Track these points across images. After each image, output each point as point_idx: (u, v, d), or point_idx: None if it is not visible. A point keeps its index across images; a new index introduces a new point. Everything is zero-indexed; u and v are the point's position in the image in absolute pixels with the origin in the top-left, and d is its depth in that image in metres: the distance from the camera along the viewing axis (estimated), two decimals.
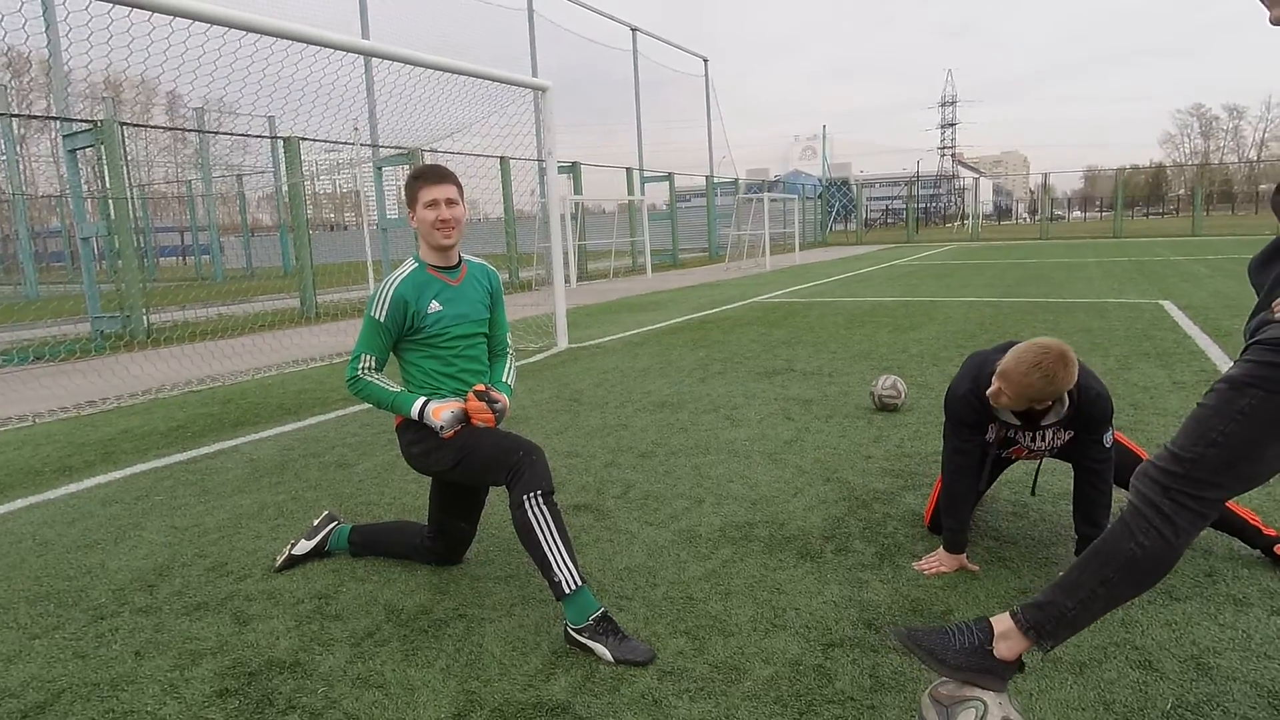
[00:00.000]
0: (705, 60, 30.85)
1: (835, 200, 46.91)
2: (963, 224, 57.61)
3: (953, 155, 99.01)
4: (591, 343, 8.68)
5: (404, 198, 2.76)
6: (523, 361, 7.60)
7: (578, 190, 20.62)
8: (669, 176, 26.49)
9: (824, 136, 61.05)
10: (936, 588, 2.68)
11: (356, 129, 15.13)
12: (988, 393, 2.66)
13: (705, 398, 5.69)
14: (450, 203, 2.72)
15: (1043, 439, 2.78)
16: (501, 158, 16.30)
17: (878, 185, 72.72)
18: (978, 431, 2.80)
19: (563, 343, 8.38)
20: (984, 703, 1.81)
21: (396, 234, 15.38)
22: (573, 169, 20.58)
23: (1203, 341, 7.08)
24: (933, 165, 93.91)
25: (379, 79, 14.87)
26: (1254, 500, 3.25)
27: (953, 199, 79.74)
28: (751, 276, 18.60)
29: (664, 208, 28.37)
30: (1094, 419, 2.67)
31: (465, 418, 2.64)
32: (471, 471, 2.64)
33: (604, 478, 3.98)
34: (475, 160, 15.16)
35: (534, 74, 19.17)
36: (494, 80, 8.25)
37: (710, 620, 2.52)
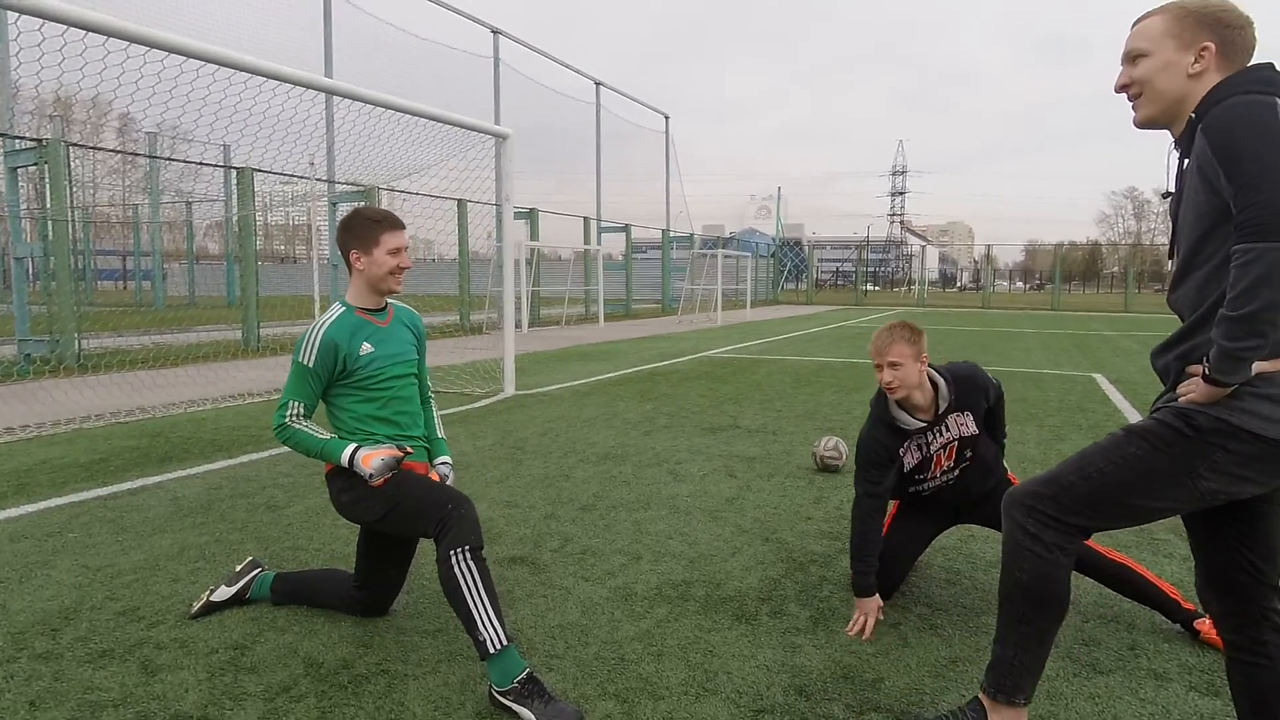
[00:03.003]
0: (666, 117, 31.54)
1: (787, 260, 47.91)
2: (909, 289, 59.22)
3: (901, 222, 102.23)
4: (539, 390, 8.63)
5: (349, 237, 2.72)
6: (468, 407, 7.50)
7: (534, 236, 20.71)
8: (626, 228, 26.80)
9: (779, 197, 62.54)
10: (869, 655, 2.68)
11: (313, 163, 15.04)
12: (881, 383, 2.92)
13: (650, 451, 5.68)
14: (407, 250, 2.75)
15: (947, 430, 2.98)
16: (459, 200, 16.32)
17: (829, 247, 74.56)
18: (887, 468, 2.97)
19: (510, 389, 8.31)
20: None
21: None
22: (530, 215, 20.69)
23: (1132, 415, 7.33)
24: (882, 231, 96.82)
25: (339, 115, 14.86)
26: (1176, 574, 3.34)
27: (900, 265, 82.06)
28: (703, 330, 18.79)
29: (620, 258, 28.64)
30: (975, 387, 3.02)
31: (396, 465, 2.59)
32: (401, 522, 2.58)
33: (542, 530, 3.92)
34: (433, 201, 15.15)
35: (497, 120, 19.35)
36: (456, 125, 8.30)
37: (641, 682, 2.48)
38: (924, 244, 74.12)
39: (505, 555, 3.55)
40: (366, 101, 7.10)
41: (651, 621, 2.91)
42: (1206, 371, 1.66)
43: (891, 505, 3.27)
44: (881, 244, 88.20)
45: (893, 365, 2.87)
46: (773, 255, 43.01)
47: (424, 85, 18.98)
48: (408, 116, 8.31)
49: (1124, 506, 1.81)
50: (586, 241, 24.08)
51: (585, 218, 24.42)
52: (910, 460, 3.01)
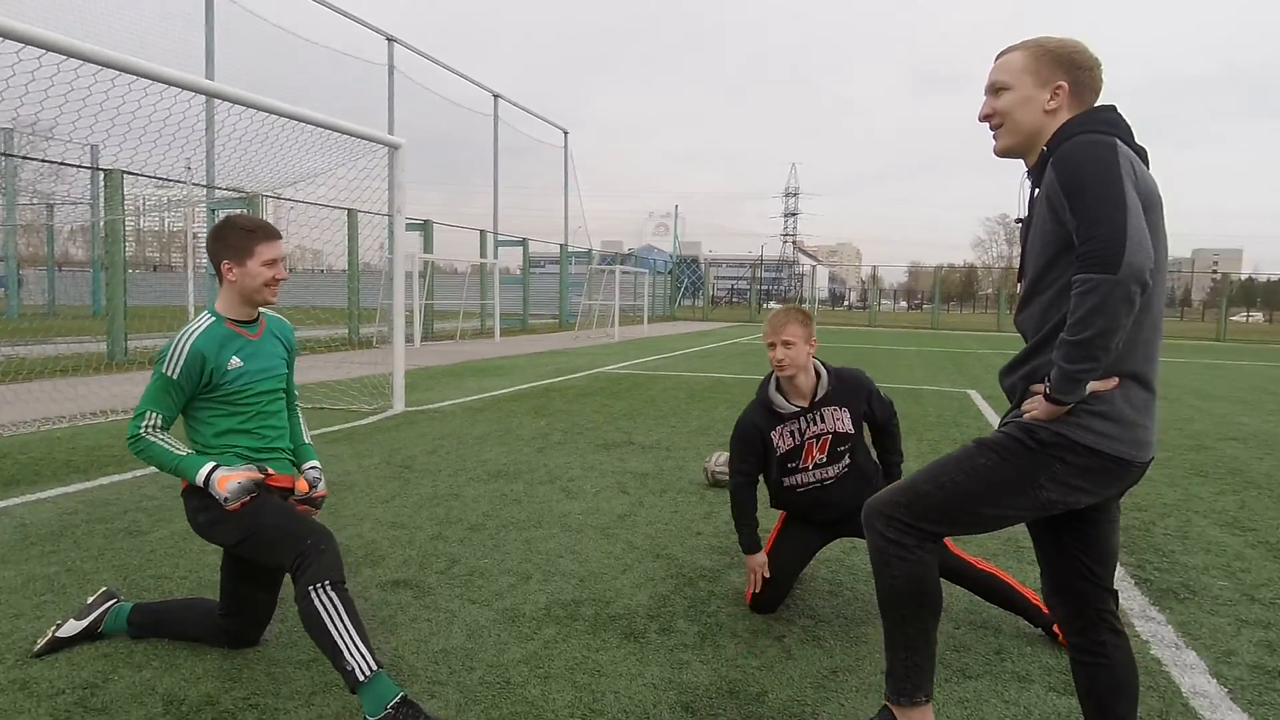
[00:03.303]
0: (565, 132, 31.57)
1: (684, 276, 48.62)
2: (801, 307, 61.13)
3: (794, 243, 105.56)
4: (430, 406, 8.42)
5: (222, 247, 2.59)
6: (354, 424, 7.24)
7: (428, 248, 20.28)
8: (524, 242, 26.60)
9: (676, 215, 63.48)
10: (754, 669, 2.71)
11: (190, 167, 14.27)
12: (772, 360, 3.09)
13: (543, 468, 5.62)
14: (283, 262, 2.64)
15: (822, 421, 3.15)
16: (350, 210, 15.81)
17: (725, 265, 76.11)
18: (758, 449, 3.19)
19: (399, 405, 8.07)
20: None
21: None
22: (424, 227, 20.26)
23: None
24: (775, 250, 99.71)
25: (220, 118, 14.16)
26: (1039, 581, 3.53)
27: (793, 283, 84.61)
28: (600, 346, 18.81)
29: (517, 272, 28.39)
30: (856, 386, 3.22)
31: (254, 488, 2.47)
32: (258, 550, 2.48)
33: (428, 551, 3.81)
34: (322, 210, 14.62)
35: (391, 129, 18.90)
36: (345, 133, 8.04)
37: (526, 706, 2.43)
38: (815, 264, 76.74)
39: (388, 579, 3.43)
40: (247, 105, 6.79)
41: (539, 643, 2.86)
42: (1048, 391, 1.77)
43: (777, 520, 3.35)
44: (775, 263, 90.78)
45: (785, 344, 3.05)
46: (670, 272, 43.58)
47: (315, 91, 18.39)
48: (294, 122, 8.01)
49: (974, 515, 1.91)
50: (483, 255, 23.77)
51: (482, 231, 24.09)
52: (782, 444, 3.16)
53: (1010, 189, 2.09)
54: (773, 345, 3.08)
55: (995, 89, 1.95)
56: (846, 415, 3.18)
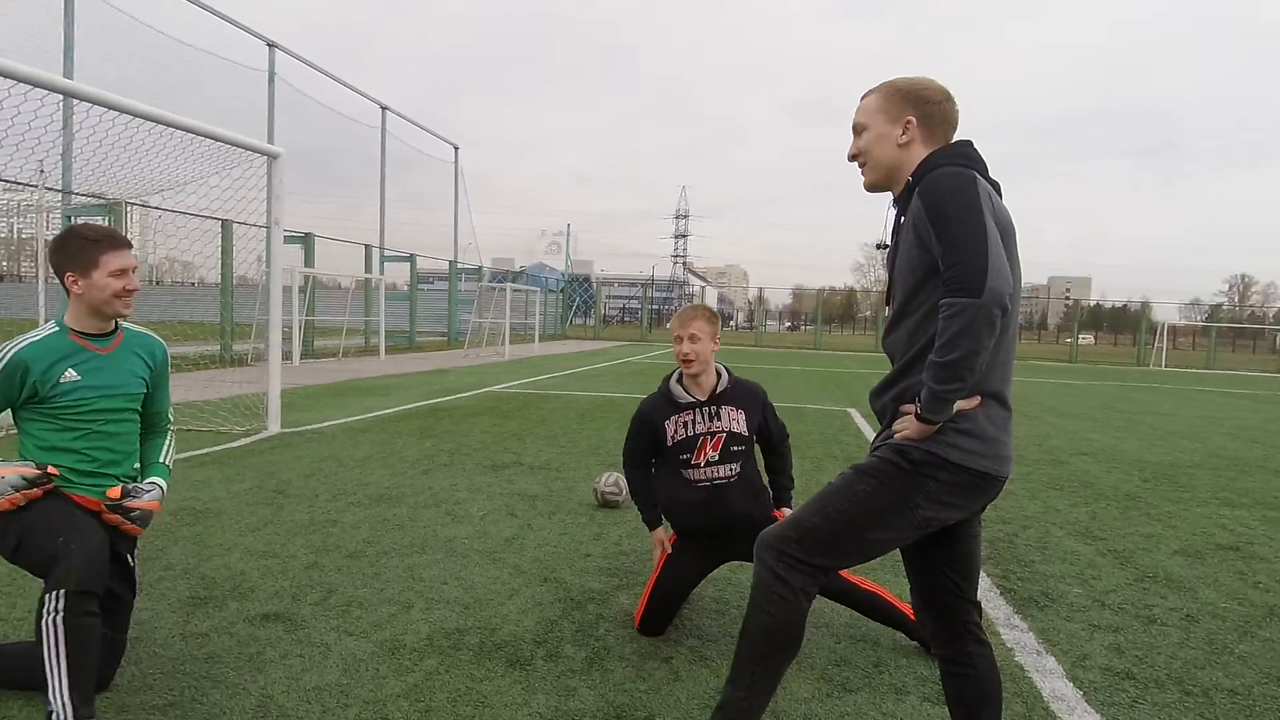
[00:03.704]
0: (456, 147, 31.10)
1: (576, 295, 48.62)
2: None
3: (684, 263, 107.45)
4: (308, 427, 8.05)
5: (63, 259, 2.42)
6: (225, 446, 6.84)
7: (310, 262, 19.50)
8: (411, 257, 25.96)
9: (568, 234, 63.52)
10: (641, 692, 2.70)
11: (43, 170, 13.22)
12: (679, 355, 3.21)
13: (427, 491, 5.45)
14: (134, 271, 2.48)
15: (718, 419, 3.24)
16: (224, 220, 15.01)
17: (616, 285, 76.70)
18: (650, 436, 3.30)
19: (274, 426, 7.67)
20: None
21: None
22: (306, 240, 19.48)
23: None
24: (666, 271, 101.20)
25: (79, 119, 13.18)
26: None
27: (683, 303, 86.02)
28: (489, 364, 18.52)
29: (404, 288, 27.66)
30: (753, 393, 3.37)
31: (25, 485, 2.30)
32: (31, 562, 2.30)
33: (302, 581, 3.61)
34: (193, 220, 13.81)
35: (270, 138, 18.10)
36: (219, 140, 7.64)
37: None
38: (704, 284, 78.30)
39: (257, 612, 3.23)
40: (107, 106, 6.36)
41: (420, 675, 2.75)
42: (919, 411, 1.85)
43: (669, 539, 3.35)
44: (666, 283, 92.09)
45: (693, 338, 3.17)
46: (562, 290, 43.50)
47: (188, 95, 17.38)
48: (164, 127, 7.55)
49: (861, 542, 1.96)
50: (369, 270, 23.04)
51: (368, 245, 23.37)
52: (675, 433, 3.23)
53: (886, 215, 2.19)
54: (680, 339, 3.19)
55: (856, 130, 2.07)
56: (742, 418, 3.28)
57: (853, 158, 2.09)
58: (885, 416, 2.04)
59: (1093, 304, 76.37)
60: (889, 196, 2.08)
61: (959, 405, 1.84)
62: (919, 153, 1.98)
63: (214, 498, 5.05)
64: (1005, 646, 3.18)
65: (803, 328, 74.50)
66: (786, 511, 3.28)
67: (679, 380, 3.32)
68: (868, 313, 77.31)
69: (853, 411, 11.22)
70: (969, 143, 2.00)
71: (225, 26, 17.67)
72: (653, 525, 3.37)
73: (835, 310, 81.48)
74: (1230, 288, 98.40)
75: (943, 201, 1.80)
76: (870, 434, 9.01)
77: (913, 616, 3.08)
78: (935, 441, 1.87)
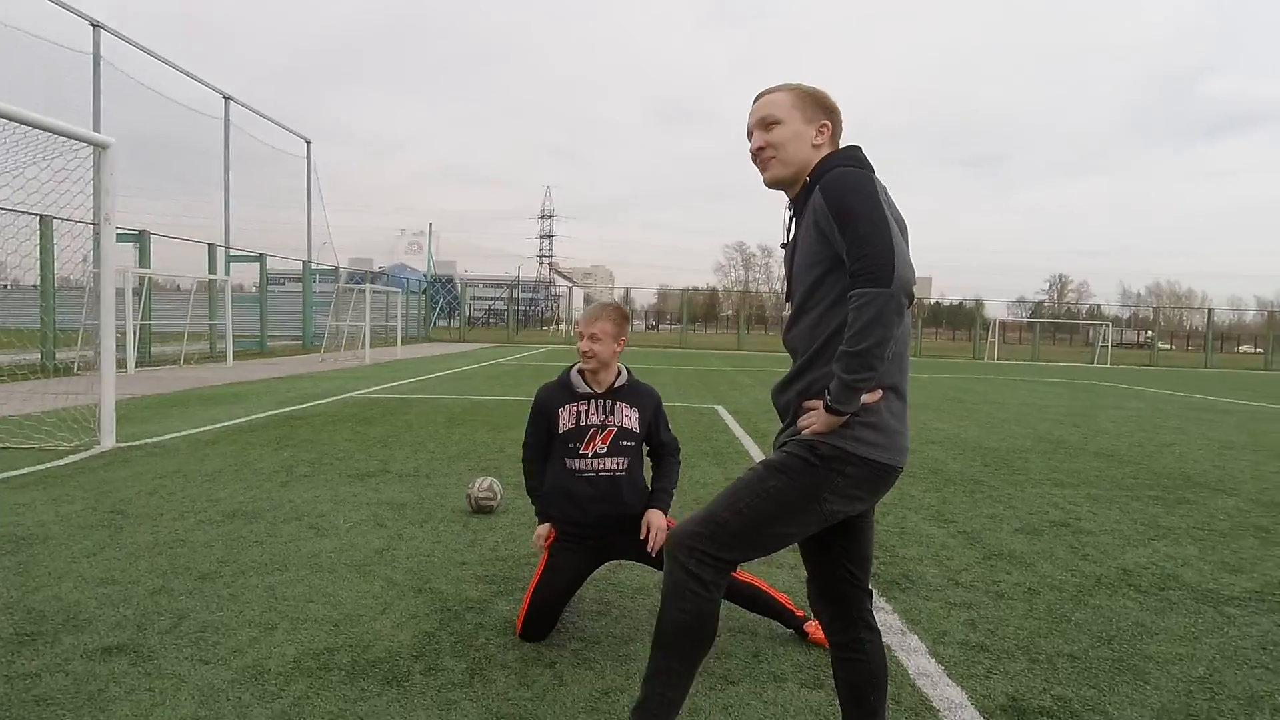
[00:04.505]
0: (308, 141, 29.61)
1: (440, 296, 47.42)
2: (558, 327, 62.02)
3: (550, 264, 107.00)
4: (148, 441, 7.43)
5: None
6: (51, 464, 6.20)
7: (145, 262, 18.04)
8: (260, 257, 24.50)
9: (430, 233, 61.92)
10: (526, 700, 2.64)
11: None
12: (580, 350, 3.26)
13: (287, 504, 5.15)
14: None
15: (611, 414, 3.30)
16: (42, 216, 13.63)
17: (481, 285, 75.36)
18: (544, 421, 3.33)
19: (108, 441, 7.03)
20: None
21: None
22: (140, 238, 18.01)
23: (747, 442, 8.34)
24: (532, 271, 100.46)
25: None
26: (786, 583, 3.79)
27: (549, 304, 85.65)
28: (349, 369, 17.75)
29: (253, 290, 26.07)
30: (648, 394, 3.44)
31: None
32: None
33: (149, 608, 3.32)
34: (5, 216, 12.44)
35: (97, 127, 16.60)
36: (35, 127, 6.92)
37: None
38: (570, 285, 78.24)
39: (97, 645, 2.94)
40: None
41: (288, 700, 2.59)
42: (827, 402, 1.89)
43: (544, 552, 3.31)
44: (532, 283, 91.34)
45: (594, 337, 3.21)
46: (424, 291, 42.29)
47: (3, 75, 15.66)
48: None
49: (770, 536, 1.98)
50: (213, 270, 21.56)
51: (211, 244, 21.86)
52: (566, 421, 3.27)
53: (747, 219, 2.23)
54: (582, 335, 3.23)
55: (767, 124, 2.07)
56: (635, 416, 3.35)
57: (759, 150, 2.08)
58: (789, 412, 2.07)
59: (933, 302, 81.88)
60: (774, 199, 2.12)
61: (864, 398, 1.90)
62: (820, 156, 2.03)
63: (39, 522, 4.57)
64: None
65: (667, 328, 75.79)
66: (655, 515, 3.27)
67: (579, 371, 3.35)
68: (729, 312, 79.66)
69: (720, 408, 11.51)
70: (858, 147, 2.07)
71: (42, 3, 16.07)
72: (542, 520, 3.37)
73: (699, 310, 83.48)
74: (1050, 286, 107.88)
75: (846, 197, 1.86)
76: (737, 429, 9.27)
77: (788, 605, 3.20)
78: (841, 436, 1.92)
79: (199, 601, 3.42)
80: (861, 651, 2.10)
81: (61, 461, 6.33)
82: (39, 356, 14.79)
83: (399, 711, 2.54)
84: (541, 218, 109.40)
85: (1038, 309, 69.93)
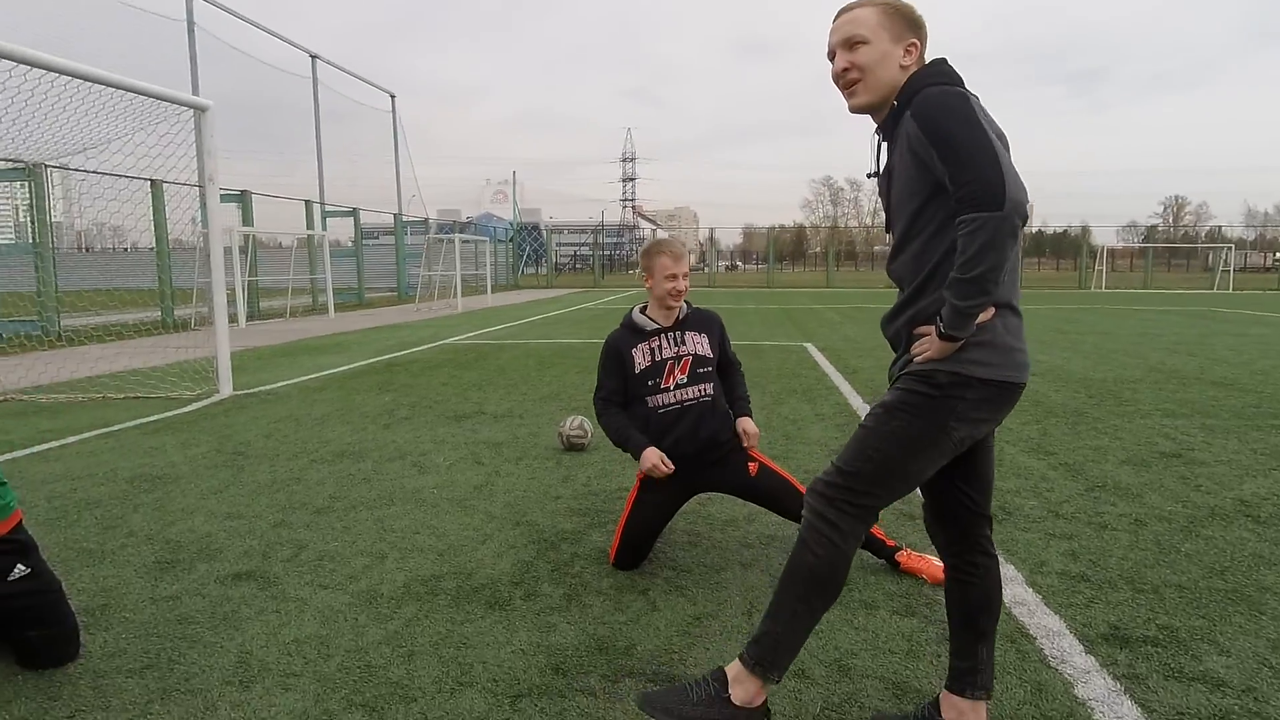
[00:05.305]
0: (393, 96, 30.15)
1: (526, 244, 48.04)
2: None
3: (633, 207, 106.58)
4: (262, 389, 7.89)
5: None
6: (176, 412, 6.67)
7: (248, 221, 18.88)
8: (354, 212, 25.31)
9: (514, 182, 62.46)
10: (620, 623, 2.74)
11: None
12: (670, 289, 3.25)
13: (391, 445, 5.41)
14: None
15: (683, 343, 3.33)
16: (153, 180, 14.40)
17: (566, 231, 75.76)
18: (619, 366, 3.33)
19: (226, 390, 7.50)
20: None
21: (12, 260, 12.84)
22: (242, 198, 18.83)
23: (837, 379, 8.23)
24: (616, 215, 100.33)
25: None
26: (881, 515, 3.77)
27: (634, 248, 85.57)
28: (442, 318, 18.29)
29: (349, 244, 27.00)
30: (711, 317, 3.46)
31: None
32: None
33: (271, 540, 3.58)
34: (119, 181, 13.21)
35: (195, 91, 17.32)
36: (140, 93, 7.27)
37: (391, 687, 2.34)
38: (654, 228, 77.86)
39: (228, 572, 3.19)
40: (12, 59, 5.98)
41: (400, 622, 2.76)
42: (941, 329, 1.83)
43: (634, 485, 3.36)
44: (616, 228, 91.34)
45: (686, 275, 3.30)
46: (511, 240, 42.90)
47: (102, 47, 16.47)
48: (78, 82, 7.14)
49: (905, 476, 1.93)
50: (310, 227, 22.41)
51: (307, 201, 22.68)
52: (641, 360, 3.30)
53: (833, 153, 2.13)
54: (674, 276, 3.26)
55: (851, 43, 1.93)
56: (705, 340, 3.38)
57: (843, 72, 1.95)
58: (900, 343, 2.01)
59: (1034, 231, 77.92)
60: (862, 125, 2.01)
61: (978, 318, 1.83)
62: (907, 77, 1.91)
63: (170, 463, 4.95)
64: None
65: (753, 266, 74.73)
66: (748, 423, 3.37)
67: (643, 311, 3.38)
68: (818, 249, 77.88)
69: (809, 346, 11.36)
70: (944, 60, 1.94)
71: None
72: (640, 448, 3.21)
73: (785, 248, 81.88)
74: (1165, 209, 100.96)
75: (942, 120, 1.76)
76: (827, 366, 9.15)
77: (878, 534, 3.19)
78: (957, 360, 1.85)
79: (315, 533, 3.66)
80: (976, 576, 2.04)
81: (186, 409, 6.80)
82: (159, 314, 15.78)
83: (501, 633, 2.68)
84: (623, 161, 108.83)
85: (1151, 233, 65.61)
